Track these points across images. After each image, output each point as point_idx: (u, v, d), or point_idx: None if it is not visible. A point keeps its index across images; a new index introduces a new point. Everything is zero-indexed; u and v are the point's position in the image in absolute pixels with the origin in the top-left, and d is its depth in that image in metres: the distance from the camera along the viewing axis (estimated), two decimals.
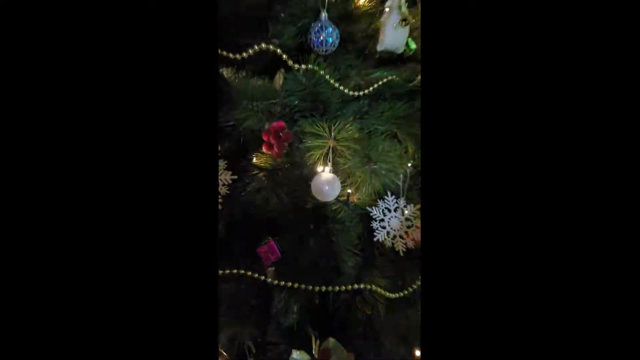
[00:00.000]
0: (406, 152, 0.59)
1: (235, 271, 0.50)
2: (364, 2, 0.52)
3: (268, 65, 0.50)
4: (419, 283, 0.58)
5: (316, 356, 0.52)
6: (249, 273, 0.51)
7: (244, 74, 0.50)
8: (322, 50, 0.47)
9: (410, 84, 0.60)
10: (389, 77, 0.56)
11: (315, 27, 0.46)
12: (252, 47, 0.46)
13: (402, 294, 0.56)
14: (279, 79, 0.50)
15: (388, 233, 0.54)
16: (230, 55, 0.46)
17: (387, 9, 0.52)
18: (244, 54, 0.46)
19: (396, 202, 0.53)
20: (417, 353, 0.61)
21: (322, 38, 0.45)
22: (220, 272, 0.51)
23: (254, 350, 0.49)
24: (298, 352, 0.51)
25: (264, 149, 0.49)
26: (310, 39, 0.46)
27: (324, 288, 0.52)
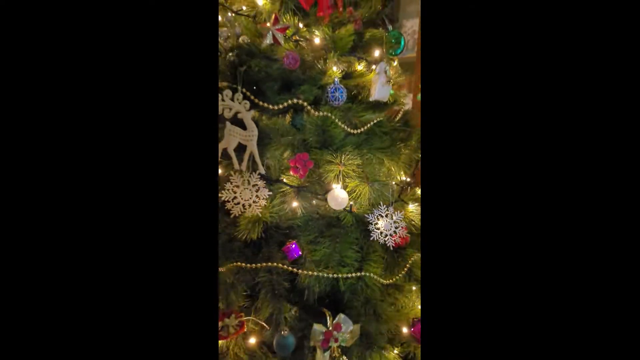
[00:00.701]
0: (390, 173, 0.79)
1: (269, 264, 0.67)
2: (361, 68, 0.73)
3: (293, 112, 0.69)
4: (404, 272, 0.76)
5: (330, 328, 0.68)
6: (280, 265, 0.67)
7: (277, 118, 0.68)
8: (335, 104, 0.66)
9: (392, 123, 0.81)
10: (378, 119, 0.76)
11: (332, 88, 0.65)
12: (286, 101, 0.65)
13: (392, 280, 0.74)
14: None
15: (381, 233, 0.72)
16: (271, 106, 0.64)
17: (377, 72, 0.73)
18: (281, 106, 0.65)
19: (386, 210, 0.72)
20: (404, 329, 0.78)
21: (336, 95, 0.65)
22: (258, 265, 0.67)
23: (286, 324, 0.65)
24: (317, 325, 0.67)
25: (291, 172, 0.67)
26: (327, 95, 0.66)
27: (334, 276, 0.70)
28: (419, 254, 0.82)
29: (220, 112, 0.62)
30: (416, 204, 0.82)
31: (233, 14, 0.67)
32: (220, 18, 0.67)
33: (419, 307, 0.78)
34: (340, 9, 0.69)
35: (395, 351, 0.74)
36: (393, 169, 0.78)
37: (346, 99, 0.67)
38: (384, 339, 0.70)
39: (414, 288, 0.78)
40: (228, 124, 0.62)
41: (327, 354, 0.66)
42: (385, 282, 0.73)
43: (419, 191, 0.87)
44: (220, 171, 0.67)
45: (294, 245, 0.69)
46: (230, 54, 0.66)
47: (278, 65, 0.66)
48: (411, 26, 1.65)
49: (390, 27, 0.76)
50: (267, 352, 0.70)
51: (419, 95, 1.47)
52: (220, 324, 0.61)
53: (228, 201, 0.64)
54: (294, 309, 0.67)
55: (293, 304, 0.67)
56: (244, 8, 0.70)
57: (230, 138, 0.62)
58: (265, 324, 0.64)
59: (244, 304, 0.68)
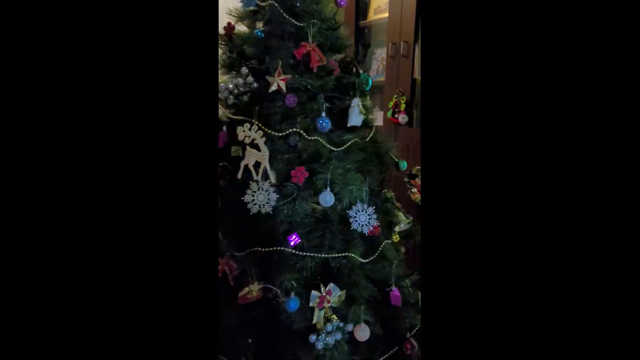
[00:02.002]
0: (365, 179, 1.05)
1: (278, 248, 0.91)
2: (341, 103, 1.00)
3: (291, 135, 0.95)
4: (377, 253, 1.02)
5: (324, 293, 0.93)
6: (286, 249, 0.92)
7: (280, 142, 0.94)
8: (323, 131, 0.92)
9: (364, 141, 1.07)
10: (354, 139, 1.02)
11: (319, 119, 0.91)
12: (287, 129, 0.90)
13: (368, 259, 1.00)
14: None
15: (359, 224, 0.98)
16: (276, 133, 0.90)
17: (352, 105, 0.99)
18: (283, 133, 0.90)
19: (363, 207, 0.98)
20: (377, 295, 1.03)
21: (323, 125, 0.91)
22: (269, 249, 0.91)
23: (292, 290, 0.89)
24: (315, 291, 0.92)
25: (292, 180, 0.92)
26: (317, 125, 0.92)
27: (325, 256, 0.94)
28: (388, 241, 1.08)
29: (241, 139, 0.86)
30: (388, 203, 1.09)
31: (247, 68, 0.92)
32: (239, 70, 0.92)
33: (391, 279, 1.04)
34: (324, 61, 0.95)
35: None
36: (366, 177, 1.04)
37: (330, 126, 0.93)
38: (362, 300, 0.95)
39: (383, 264, 1.04)
40: (247, 147, 0.87)
41: (322, 312, 0.90)
42: (363, 260, 0.98)
43: (388, 194, 1.14)
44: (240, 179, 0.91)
45: (295, 235, 0.94)
46: (246, 97, 0.91)
47: (281, 104, 0.91)
48: (380, 53, 1.94)
49: (361, 71, 1.03)
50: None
51: (389, 112, 1.75)
52: (246, 289, 0.85)
53: (248, 202, 0.88)
54: (297, 280, 0.92)
55: (296, 277, 0.91)
56: (254, 62, 0.95)
57: (249, 157, 0.87)
58: (277, 290, 0.88)
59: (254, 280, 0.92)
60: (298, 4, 0.95)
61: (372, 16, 1.91)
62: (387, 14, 1.76)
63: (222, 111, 1.00)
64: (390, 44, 1.73)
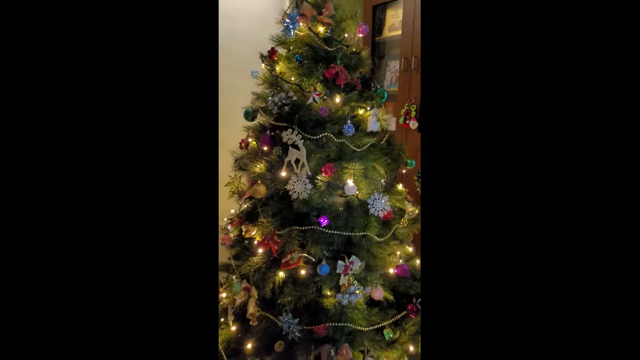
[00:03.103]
0: (381, 174, 1.29)
1: (312, 227, 1.16)
2: (362, 112, 1.24)
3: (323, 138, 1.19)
4: (390, 234, 1.25)
5: (347, 263, 1.17)
6: (318, 227, 1.16)
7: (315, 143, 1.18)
8: (348, 135, 1.16)
9: (380, 144, 1.31)
10: (372, 141, 1.26)
11: (346, 125, 1.15)
12: (320, 133, 1.15)
13: (382, 238, 1.24)
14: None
15: (375, 209, 1.22)
16: (312, 137, 1.14)
17: (371, 114, 1.23)
18: (317, 136, 1.15)
19: (378, 196, 1.22)
20: (391, 270, 1.27)
21: (348, 130, 1.15)
22: (305, 227, 1.16)
23: (323, 259, 1.13)
24: (340, 261, 1.16)
25: (323, 174, 1.16)
26: (343, 130, 1.16)
27: (348, 234, 1.18)
28: (399, 224, 1.32)
29: (285, 140, 1.11)
30: (399, 194, 1.33)
31: (288, 85, 1.18)
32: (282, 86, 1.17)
33: (397, 260, 1.27)
34: (349, 79, 1.20)
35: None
36: (381, 172, 1.28)
37: (354, 131, 1.17)
38: (377, 270, 1.19)
39: (394, 243, 1.28)
40: (290, 147, 1.12)
41: (345, 277, 1.14)
42: (378, 239, 1.22)
43: (399, 187, 1.37)
44: (284, 174, 1.16)
45: (324, 218, 1.19)
46: (287, 107, 1.16)
47: (314, 113, 1.16)
48: (393, 66, 2.18)
49: (378, 86, 1.27)
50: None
51: (401, 119, 1.98)
52: (288, 256, 1.10)
53: (289, 191, 1.13)
54: (328, 252, 1.16)
55: (327, 249, 1.16)
56: (293, 79, 1.20)
57: (291, 155, 1.12)
58: (312, 258, 1.13)
59: (296, 250, 1.17)
60: (329, 33, 1.20)
61: (387, 33, 2.15)
62: (400, 32, 2.00)
63: (265, 119, 1.25)
64: (403, 58, 1.97)
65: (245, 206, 1.41)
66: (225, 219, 1.46)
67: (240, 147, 1.39)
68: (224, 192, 1.33)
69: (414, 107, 1.90)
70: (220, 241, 1.42)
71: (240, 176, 1.37)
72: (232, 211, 1.49)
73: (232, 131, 1.46)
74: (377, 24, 2.17)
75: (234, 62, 1.91)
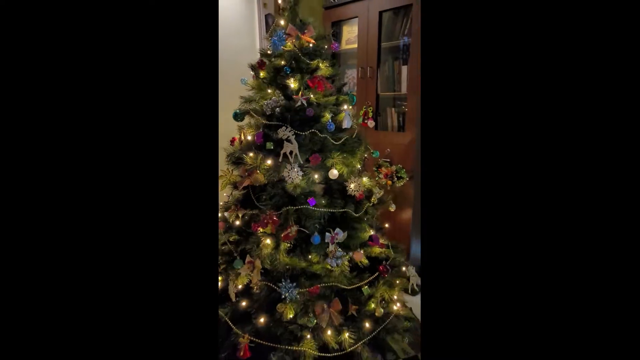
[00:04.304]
0: (354, 161, 1.59)
1: (302, 206, 1.42)
2: (339, 115, 1.53)
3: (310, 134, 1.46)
4: (363, 211, 1.56)
5: (333, 234, 1.44)
6: (308, 207, 1.42)
7: (303, 138, 1.45)
8: (330, 130, 1.44)
9: (352, 137, 1.61)
10: (346, 136, 1.55)
11: (328, 123, 1.43)
12: (307, 130, 1.42)
13: (358, 215, 1.53)
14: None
15: (352, 190, 1.51)
16: (300, 132, 1.41)
17: (345, 114, 1.52)
18: (305, 133, 1.41)
19: (353, 179, 1.51)
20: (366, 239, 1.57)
21: (329, 127, 1.43)
22: (298, 207, 1.41)
23: (315, 230, 1.40)
24: (327, 232, 1.43)
25: (311, 162, 1.43)
26: (326, 127, 1.44)
27: (332, 211, 1.46)
28: (369, 203, 1.62)
29: (280, 136, 1.36)
30: (365, 178, 1.63)
31: (279, 91, 1.43)
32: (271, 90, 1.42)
33: (370, 231, 1.58)
34: (328, 86, 1.48)
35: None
36: (355, 160, 1.58)
37: (333, 128, 1.46)
38: (358, 239, 1.48)
39: (367, 218, 1.58)
40: (285, 141, 1.37)
41: (333, 245, 1.42)
42: (355, 215, 1.52)
43: (367, 174, 1.68)
44: (280, 164, 1.41)
45: (312, 199, 1.45)
46: (278, 109, 1.41)
47: (302, 114, 1.42)
48: (351, 73, 2.51)
49: (349, 91, 1.57)
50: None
51: (360, 119, 2.31)
52: (287, 230, 1.34)
53: (284, 177, 1.38)
54: (318, 225, 1.43)
55: (317, 223, 1.42)
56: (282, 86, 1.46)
57: (286, 147, 1.37)
58: (306, 230, 1.39)
59: (294, 225, 1.41)
60: (311, 47, 1.48)
61: (344, 45, 2.47)
62: (355, 45, 2.33)
63: (256, 119, 1.49)
64: (360, 68, 2.30)
65: (237, 195, 1.62)
66: (221, 204, 1.66)
67: (231, 144, 1.61)
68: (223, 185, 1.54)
69: (370, 109, 2.24)
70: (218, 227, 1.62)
71: (232, 169, 1.58)
72: (221, 203, 1.70)
73: (232, 130, 1.67)
74: (335, 38, 2.49)
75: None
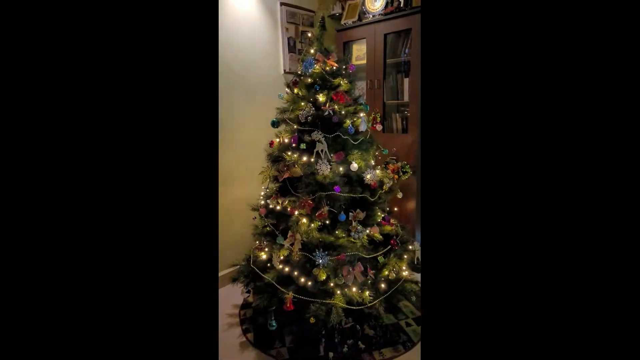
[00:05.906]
0: (369, 157, 1.99)
1: (329, 192, 1.82)
2: (356, 119, 1.94)
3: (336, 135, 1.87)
4: (376, 197, 1.96)
5: (355, 213, 1.84)
6: (334, 193, 1.82)
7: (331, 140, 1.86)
8: (351, 133, 1.85)
9: (367, 138, 2.02)
10: (362, 137, 1.96)
11: (349, 127, 1.84)
12: (334, 133, 1.83)
13: (374, 199, 1.94)
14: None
15: (369, 179, 1.91)
16: (328, 135, 1.82)
17: (361, 120, 1.93)
18: (332, 135, 1.82)
19: (370, 171, 1.91)
20: (380, 219, 1.97)
21: (350, 130, 1.84)
22: (327, 192, 1.82)
23: (341, 210, 1.80)
24: (351, 212, 1.83)
25: (335, 158, 1.84)
26: (347, 130, 1.85)
27: (353, 196, 1.86)
28: (381, 191, 2.03)
29: (313, 138, 1.77)
30: (378, 170, 2.04)
31: (310, 102, 1.84)
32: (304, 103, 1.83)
33: (383, 213, 1.97)
34: (348, 98, 1.90)
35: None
36: (368, 157, 2.00)
37: (353, 131, 1.87)
38: (373, 219, 1.88)
39: (380, 202, 1.99)
40: (317, 142, 1.78)
41: (355, 222, 1.82)
42: (371, 199, 1.92)
43: (379, 167, 2.09)
44: (313, 160, 1.81)
45: (337, 187, 1.86)
46: (310, 117, 1.82)
47: (328, 121, 1.83)
48: (360, 85, 2.92)
49: (363, 102, 1.99)
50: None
51: (370, 123, 2.73)
52: (321, 209, 1.75)
53: (317, 170, 1.78)
54: (343, 205, 1.83)
55: (342, 204, 1.82)
56: (312, 99, 1.87)
57: (318, 147, 1.78)
58: (335, 210, 1.79)
59: (325, 206, 1.81)
60: (335, 69, 1.89)
61: (354, 61, 2.90)
62: (364, 61, 2.75)
63: (290, 126, 1.90)
64: (368, 80, 2.72)
65: (273, 187, 2.03)
66: (262, 195, 2.08)
67: (270, 146, 2.03)
68: (258, 180, 1.97)
69: (378, 115, 2.65)
70: (259, 213, 2.03)
71: (271, 166, 2.00)
72: (262, 193, 2.12)
73: (262, 135, 2.09)
74: (346, 55, 2.91)
75: (242, 86, 2.51)
